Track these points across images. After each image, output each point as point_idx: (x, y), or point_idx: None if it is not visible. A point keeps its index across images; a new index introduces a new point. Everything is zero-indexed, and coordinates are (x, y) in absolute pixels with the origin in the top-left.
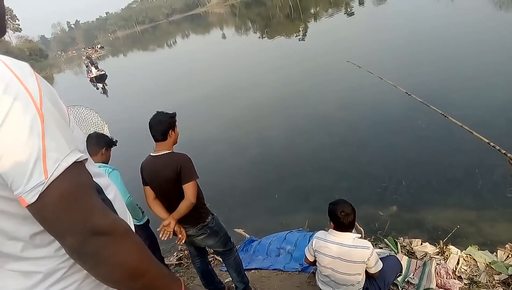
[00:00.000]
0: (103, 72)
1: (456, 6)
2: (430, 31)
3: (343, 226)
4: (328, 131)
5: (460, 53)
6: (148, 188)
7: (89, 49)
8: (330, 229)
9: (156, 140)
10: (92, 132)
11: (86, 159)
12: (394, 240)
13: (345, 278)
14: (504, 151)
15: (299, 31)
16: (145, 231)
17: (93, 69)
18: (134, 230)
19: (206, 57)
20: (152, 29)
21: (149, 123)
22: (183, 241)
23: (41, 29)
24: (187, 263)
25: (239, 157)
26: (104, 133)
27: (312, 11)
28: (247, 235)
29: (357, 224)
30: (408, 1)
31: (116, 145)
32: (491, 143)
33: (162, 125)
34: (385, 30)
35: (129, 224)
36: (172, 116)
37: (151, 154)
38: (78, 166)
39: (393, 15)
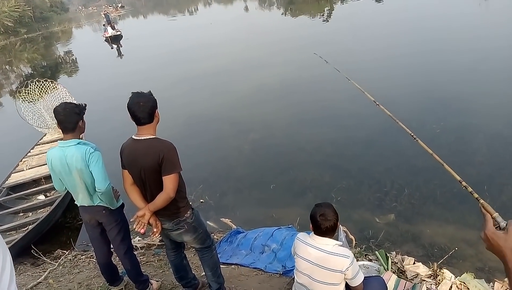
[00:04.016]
0: (118, 33)
1: (490, 6)
2: (451, 34)
3: (321, 230)
4: (335, 123)
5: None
6: (126, 172)
7: (109, 7)
8: (311, 233)
9: (140, 124)
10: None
11: None
12: (386, 254)
13: (322, 287)
14: (476, 196)
15: (324, 12)
16: (118, 215)
17: (109, 28)
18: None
19: (225, 30)
20: None
21: (128, 105)
22: (157, 235)
23: None
24: None
25: (240, 139)
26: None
27: None
28: (234, 226)
29: (348, 231)
30: None
31: (85, 109)
32: (463, 183)
33: (147, 106)
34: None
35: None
36: (152, 95)
37: (133, 137)
38: None
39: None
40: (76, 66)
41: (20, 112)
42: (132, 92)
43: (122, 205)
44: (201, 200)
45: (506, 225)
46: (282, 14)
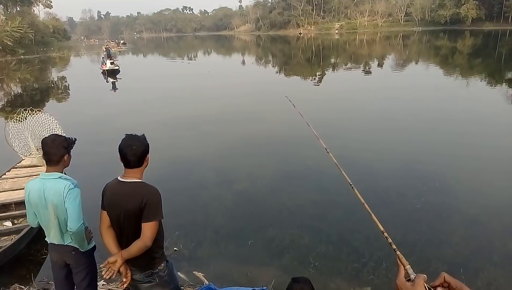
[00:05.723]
0: (116, 68)
1: (470, 90)
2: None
3: None
4: (320, 185)
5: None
6: (105, 213)
7: (111, 42)
8: None
9: (129, 167)
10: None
11: None
12: None
13: None
14: (394, 247)
15: (316, 76)
16: (87, 258)
17: (108, 62)
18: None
19: (222, 80)
20: (177, 38)
21: (120, 147)
22: (125, 285)
23: (72, 11)
24: None
25: (223, 188)
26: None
27: (332, 60)
28: (206, 281)
29: None
30: (417, 75)
31: (74, 144)
32: (385, 233)
33: (138, 150)
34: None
35: None
36: (145, 139)
37: (119, 178)
38: None
39: (398, 85)
40: (68, 93)
41: (8, 138)
42: (126, 134)
43: (94, 248)
44: (175, 249)
45: (415, 278)
46: (277, 72)
